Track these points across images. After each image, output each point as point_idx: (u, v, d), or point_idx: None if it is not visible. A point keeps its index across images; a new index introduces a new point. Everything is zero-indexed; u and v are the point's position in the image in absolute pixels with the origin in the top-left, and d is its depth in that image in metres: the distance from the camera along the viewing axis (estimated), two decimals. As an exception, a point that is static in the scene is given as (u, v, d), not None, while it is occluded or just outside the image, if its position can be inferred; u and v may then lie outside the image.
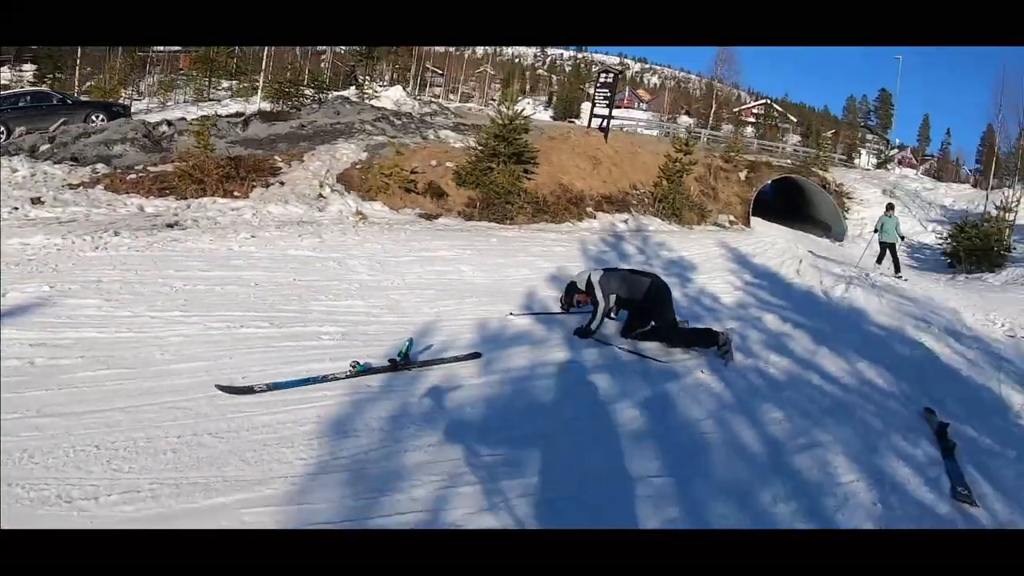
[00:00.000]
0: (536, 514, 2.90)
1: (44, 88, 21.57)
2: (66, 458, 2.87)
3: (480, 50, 62.10)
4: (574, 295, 6.07)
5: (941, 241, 17.07)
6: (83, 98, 20.50)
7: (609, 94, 18.76)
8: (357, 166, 11.74)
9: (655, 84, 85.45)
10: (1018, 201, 18.37)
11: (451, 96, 56.85)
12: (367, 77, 22.18)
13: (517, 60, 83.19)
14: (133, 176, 9.42)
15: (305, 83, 19.07)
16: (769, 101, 64.07)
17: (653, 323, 5.81)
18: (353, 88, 22.44)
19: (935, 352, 6.99)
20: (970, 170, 60.86)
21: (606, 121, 18.69)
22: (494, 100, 62.39)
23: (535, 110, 48.83)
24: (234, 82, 23.99)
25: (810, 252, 14.96)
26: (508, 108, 13.26)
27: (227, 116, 15.43)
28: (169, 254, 6.68)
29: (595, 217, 15.01)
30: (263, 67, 22.84)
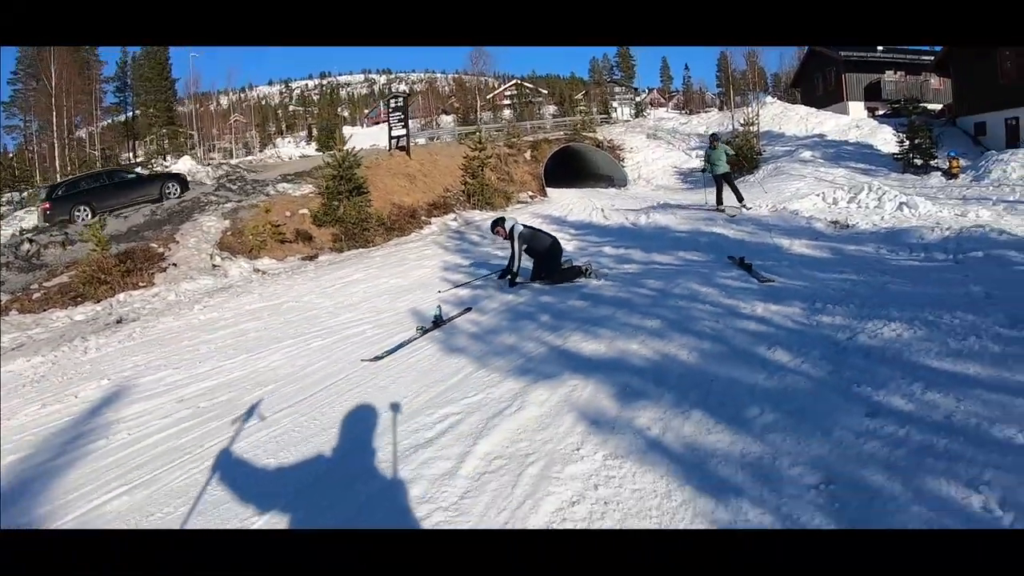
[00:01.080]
0: (606, 349, 5.30)
1: (115, 167, 23.00)
2: (346, 405, 4.46)
3: (224, 100, 60.35)
4: (497, 226, 8.62)
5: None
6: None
7: (402, 116, 21.05)
8: (228, 233, 12.88)
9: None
10: (757, 114, 23.82)
11: (212, 155, 54.85)
12: (131, 157, 22.00)
13: (264, 101, 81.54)
14: (37, 295, 9.93)
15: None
16: (519, 80, 69.27)
17: (548, 269, 8.35)
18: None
19: (726, 235, 10.56)
20: (714, 94, 71.36)
21: (405, 140, 21.05)
22: (256, 148, 61.04)
23: (299, 147, 48.66)
24: (13, 193, 22.17)
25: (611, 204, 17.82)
26: (339, 151, 15.06)
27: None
28: (159, 337, 7.76)
29: (431, 223, 17.33)
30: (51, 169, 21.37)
